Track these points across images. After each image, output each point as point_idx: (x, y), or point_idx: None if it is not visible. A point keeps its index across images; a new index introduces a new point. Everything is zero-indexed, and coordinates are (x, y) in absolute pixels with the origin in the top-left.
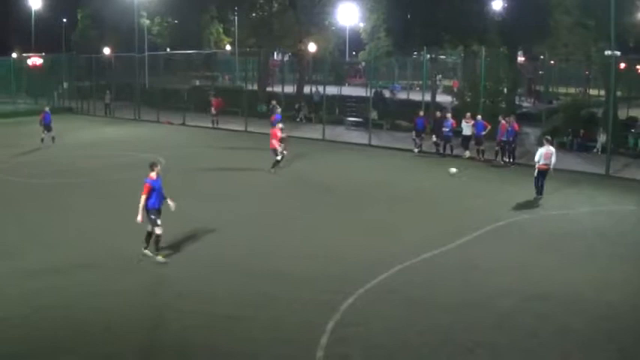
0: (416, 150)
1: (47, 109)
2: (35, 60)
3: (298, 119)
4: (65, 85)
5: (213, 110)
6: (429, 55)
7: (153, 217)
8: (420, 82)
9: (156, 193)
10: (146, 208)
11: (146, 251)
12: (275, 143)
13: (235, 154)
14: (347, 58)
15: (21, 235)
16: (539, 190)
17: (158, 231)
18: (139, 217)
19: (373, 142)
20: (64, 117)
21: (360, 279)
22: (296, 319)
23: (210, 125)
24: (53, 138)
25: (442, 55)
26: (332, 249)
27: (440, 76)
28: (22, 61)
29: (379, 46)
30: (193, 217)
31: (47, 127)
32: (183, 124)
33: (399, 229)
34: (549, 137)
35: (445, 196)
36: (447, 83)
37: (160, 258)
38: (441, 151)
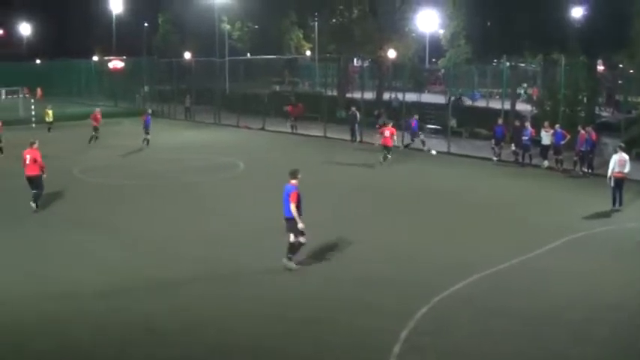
0: (495, 159)
1: (150, 111)
2: (116, 63)
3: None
4: (146, 88)
5: (290, 119)
6: (508, 63)
7: (291, 225)
8: (500, 90)
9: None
10: (286, 215)
11: (290, 263)
12: (390, 140)
13: (313, 159)
14: (427, 65)
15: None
16: (618, 200)
17: (294, 239)
18: (301, 224)
19: (452, 150)
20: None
21: (436, 286)
22: (370, 326)
23: (289, 131)
24: (147, 141)
25: (522, 63)
26: (408, 255)
27: (525, 85)
28: (103, 64)
29: (459, 53)
30: (270, 221)
31: (146, 130)
32: (263, 128)
33: (476, 238)
34: (622, 144)
35: (523, 206)
36: (527, 91)
37: (291, 264)
38: (520, 160)
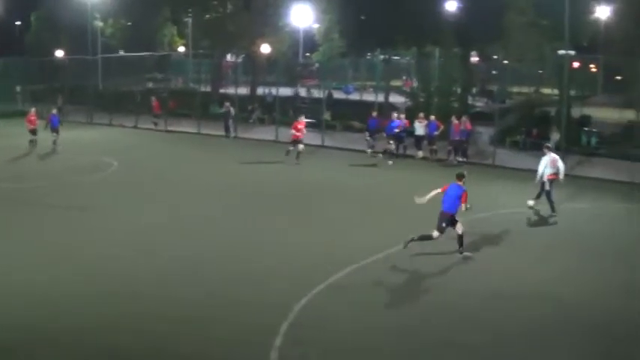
0: (369, 150)
1: (54, 111)
2: None
3: (251, 121)
4: (18, 88)
5: (152, 115)
6: (382, 56)
7: (444, 224)
8: (374, 83)
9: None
10: (450, 212)
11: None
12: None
13: (186, 156)
14: (300, 59)
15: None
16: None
17: (433, 234)
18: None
19: (326, 143)
20: (17, 121)
21: (313, 279)
22: (250, 321)
23: (162, 128)
24: (55, 142)
25: (395, 56)
26: (285, 250)
27: (405, 77)
28: None
29: (332, 47)
30: (144, 220)
31: (55, 130)
32: (136, 126)
33: (353, 229)
34: (549, 144)
35: (399, 196)
36: (398, 83)
37: (466, 254)
38: (394, 151)
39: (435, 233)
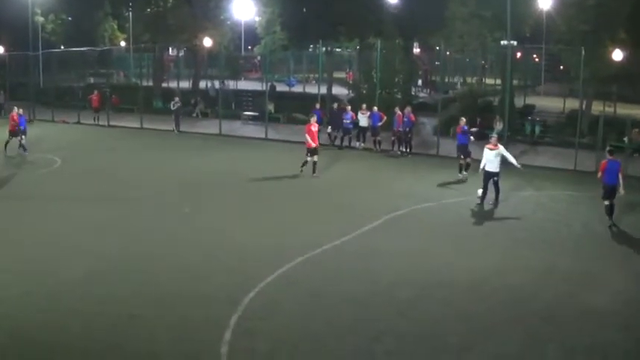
0: None
1: (20, 111)
2: None
3: (194, 114)
4: None
5: (93, 111)
6: (324, 49)
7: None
8: (316, 75)
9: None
10: (614, 183)
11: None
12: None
13: (130, 152)
14: (242, 53)
15: None
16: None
17: (605, 202)
18: (622, 190)
19: (270, 136)
20: None
21: (261, 272)
22: (199, 315)
23: (104, 124)
24: (24, 147)
25: (338, 48)
26: (232, 244)
27: (348, 69)
28: None
29: (274, 40)
30: (88, 218)
31: (22, 132)
32: (79, 122)
33: (299, 222)
34: (495, 135)
35: (344, 188)
36: (341, 75)
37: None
38: (338, 143)
39: (607, 202)
